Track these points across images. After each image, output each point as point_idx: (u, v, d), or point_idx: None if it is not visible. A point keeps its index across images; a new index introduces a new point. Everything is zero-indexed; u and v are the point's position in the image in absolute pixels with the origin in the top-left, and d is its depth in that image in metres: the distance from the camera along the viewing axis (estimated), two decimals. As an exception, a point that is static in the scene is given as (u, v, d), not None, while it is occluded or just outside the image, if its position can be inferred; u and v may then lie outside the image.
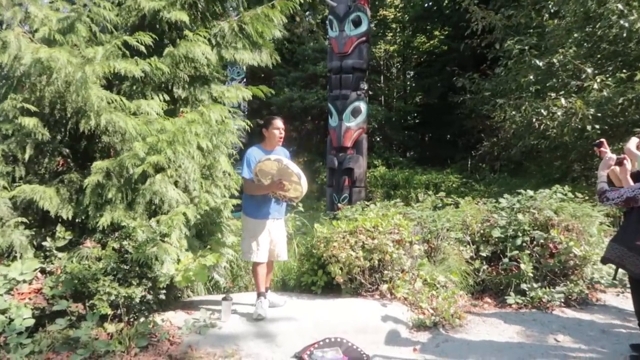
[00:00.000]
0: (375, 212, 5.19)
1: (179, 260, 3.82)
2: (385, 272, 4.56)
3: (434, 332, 4.11)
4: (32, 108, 3.47)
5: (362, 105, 10.78)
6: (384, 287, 4.49)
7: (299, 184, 3.94)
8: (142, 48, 4.14)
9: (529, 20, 8.40)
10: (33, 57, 3.25)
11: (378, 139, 20.21)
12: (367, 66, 11.10)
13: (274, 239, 4.22)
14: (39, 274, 3.59)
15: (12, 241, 3.50)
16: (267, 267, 4.35)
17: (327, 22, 11.30)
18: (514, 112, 8.24)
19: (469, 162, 16.32)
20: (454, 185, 13.99)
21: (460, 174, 14.93)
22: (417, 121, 20.70)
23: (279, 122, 4.14)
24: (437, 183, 14.05)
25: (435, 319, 4.18)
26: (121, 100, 3.75)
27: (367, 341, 3.85)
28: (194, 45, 4.31)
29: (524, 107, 7.89)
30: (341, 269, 4.52)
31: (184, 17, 4.27)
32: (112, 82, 4.52)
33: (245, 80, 15.62)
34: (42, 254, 3.69)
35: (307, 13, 20.01)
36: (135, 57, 4.06)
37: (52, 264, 3.62)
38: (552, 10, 8.68)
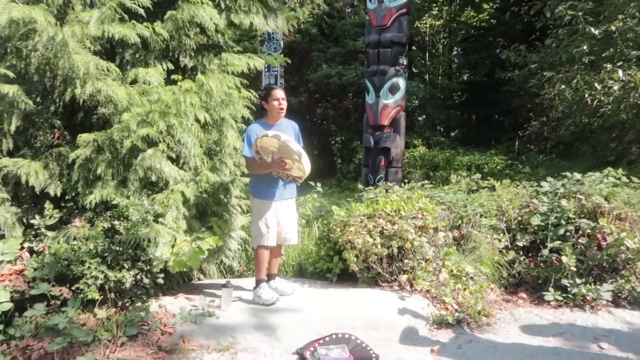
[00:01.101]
0: (400, 194, 4.73)
1: (175, 243, 3.53)
2: (406, 261, 4.12)
3: (457, 330, 3.65)
4: (11, 74, 3.20)
5: (401, 82, 10.22)
6: (403, 277, 4.06)
7: (301, 162, 3.56)
8: (141, 11, 3.79)
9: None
10: (9, 17, 2.97)
11: (419, 118, 19.43)
12: (407, 40, 10.47)
13: (281, 221, 3.87)
14: (27, 254, 3.37)
15: (-3, 219, 3.29)
16: (274, 252, 4.02)
17: (366, -7, 10.71)
18: (563, 87, 7.45)
19: (516, 143, 15.36)
20: (498, 167, 13.19)
21: (506, 155, 14.06)
22: (462, 99, 19.72)
23: (278, 92, 3.74)
24: (479, 164, 13.30)
25: (459, 316, 3.71)
26: (114, 67, 3.43)
27: (379, 338, 3.44)
28: (198, 8, 3.94)
29: (575, 81, 7.11)
30: (357, 256, 4.12)
31: (186, -24, 3.89)
32: (116, 49, 4.24)
33: (282, 56, 15.26)
34: (33, 233, 3.46)
35: (348, -14, 19.32)
36: (133, 21, 3.72)
37: (41, 243, 3.39)
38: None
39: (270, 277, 4.05)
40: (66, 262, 3.19)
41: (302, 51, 18.08)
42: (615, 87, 6.66)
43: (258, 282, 3.85)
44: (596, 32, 6.88)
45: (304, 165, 3.52)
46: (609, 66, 6.89)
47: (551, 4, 7.87)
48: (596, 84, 6.80)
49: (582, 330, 3.65)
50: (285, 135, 3.55)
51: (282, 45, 15.28)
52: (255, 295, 3.81)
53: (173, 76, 3.77)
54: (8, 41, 3.24)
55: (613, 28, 6.75)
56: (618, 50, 7.06)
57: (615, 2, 7.15)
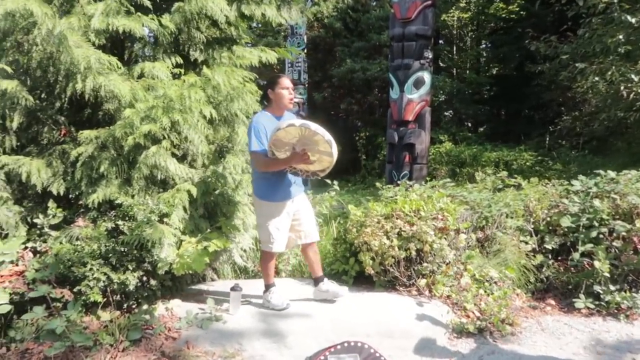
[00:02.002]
0: (419, 193, 4.49)
1: (180, 244, 3.39)
2: (425, 264, 3.89)
3: (479, 340, 3.41)
4: (9, 69, 3.11)
5: (426, 76, 9.92)
6: (421, 282, 3.84)
7: (329, 154, 3.23)
8: (148, 3, 3.67)
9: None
10: (3, 9, 2.86)
11: (446, 113, 18.99)
12: (432, 33, 10.15)
13: (297, 220, 3.60)
14: (30, 254, 3.29)
15: (-1, 218, 3.21)
16: (310, 252, 3.75)
17: (390, -15, 10.44)
18: (596, 79, 7.04)
19: (547, 139, 14.82)
20: (527, 163, 12.72)
21: (536, 151, 13.55)
22: (491, 94, 19.17)
23: (287, 81, 3.45)
24: (508, 161, 12.85)
25: (481, 324, 3.47)
26: (115, 61, 3.31)
27: (394, 347, 3.24)
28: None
29: (609, 73, 6.69)
30: (373, 258, 3.92)
31: (194, -34, 3.75)
32: (125, 43, 4.14)
33: (305, 50, 15.07)
34: (37, 233, 3.38)
35: (374, -21, 18.99)
36: (138, 14, 3.60)
37: (45, 243, 3.31)
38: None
39: (317, 280, 3.75)
40: (68, 264, 3.09)
41: (326, 46, 17.86)
42: (654, 79, 6.26)
43: (267, 287, 3.67)
44: (633, 21, 6.45)
45: (333, 156, 3.22)
46: (647, 57, 6.49)
47: (584, -8, 7.46)
48: (633, 76, 6.38)
49: (615, 342, 3.36)
50: (314, 124, 3.18)
51: (305, 40, 15.09)
52: (265, 299, 3.64)
53: (176, 70, 3.63)
54: (8, 35, 3.15)
55: (652, 16, 6.34)
56: (657, 40, 6.64)
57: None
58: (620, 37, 6.77)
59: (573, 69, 7.44)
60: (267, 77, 3.63)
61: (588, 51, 7.65)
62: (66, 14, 3.64)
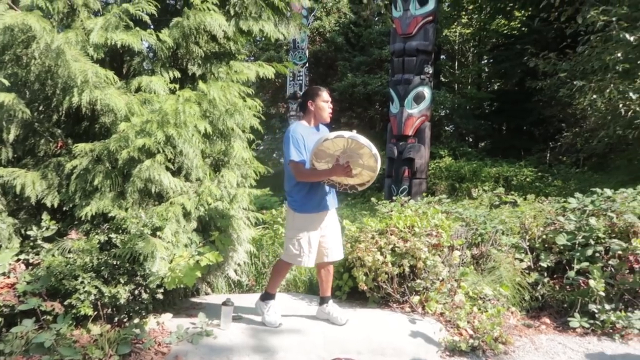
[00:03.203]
0: (415, 209, 4.49)
1: (173, 258, 3.39)
2: (418, 281, 3.88)
3: (471, 359, 3.38)
4: (6, 82, 3.14)
5: (426, 91, 10.00)
6: (414, 299, 3.82)
7: (372, 168, 3.20)
8: (147, 18, 3.71)
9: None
10: (2, 24, 2.90)
11: (447, 128, 19.05)
12: (433, 48, 10.25)
13: (327, 235, 3.51)
14: (23, 267, 3.28)
15: (-10, 229, 3.22)
16: (327, 271, 3.68)
17: (392, 1, 10.54)
18: (595, 96, 7.06)
19: (547, 155, 14.83)
20: (527, 179, 12.72)
21: (536, 167, 13.56)
22: (492, 109, 19.23)
23: (327, 94, 3.45)
24: (507, 177, 12.86)
25: (473, 343, 3.44)
26: (112, 75, 3.34)
27: (385, 365, 3.22)
28: (205, 15, 3.82)
29: (608, 90, 6.71)
30: (366, 274, 3.90)
31: (192, -17, 3.79)
32: (124, 57, 4.17)
33: (307, 65, 15.19)
34: (30, 245, 3.38)
35: (376, -5, 19.16)
36: (137, 28, 3.63)
37: (38, 255, 3.30)
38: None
39: (323, 300, 3.70)
40: (60, 276, 3.08)
41: (328, 60, 18.02)
42: (652, 97, 6.28)
43: (268, 296, 3.61)
44: (631, 39, 6.49)
45: (377, 169, 3.18)
46: (645, 75, 6.51)
47: (583, 10, 7.51)
48: (631, 94, 6.40)
49: (610, 362, 3.34)
50: (362, 137, 3.14)
51: (307, 54, 15.22)
52: (260, 309, 3.61)
53: (171, 85, 3.65)
54: (7, 49, 3.18)
55: (650, 34, 6.37)
56: (655, 58, 6.67)
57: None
58: (619, 54, 6.80)
59: (572, 86, 7.46)
60: (306, 90, 3.63)
61: (587, 68, 7.68)
62: (66, 28, 3.68)
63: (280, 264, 3.62)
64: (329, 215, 3.54)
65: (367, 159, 3.18)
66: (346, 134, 3.10)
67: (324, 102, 3.45)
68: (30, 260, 3.31)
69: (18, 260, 3.30)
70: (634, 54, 6.97)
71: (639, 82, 6.39)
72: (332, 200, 3.54)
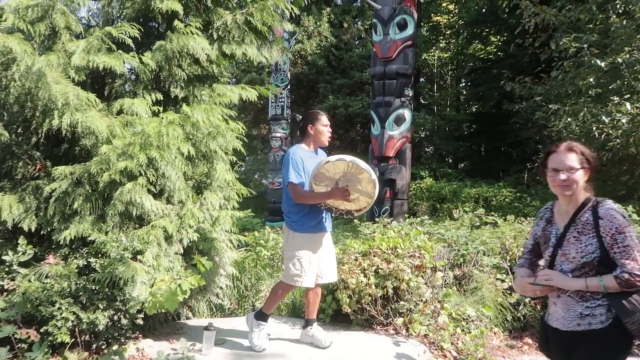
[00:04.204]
0: (397, 230, 4.52)
1: (154, 282, 3.33)
2: (402, 302, 3.88)
3: (455, 380, 3.39)
4: (-18, 105, 3.11)
5: (407, 113, 10.14)
6: (398, 320, 3.82)
7: (369, 195, 3.24)
8: (130, 41, 3.72)
9: (589, 15, 7.37)
10: (-18, 47, 2.88)
11: (427, 149, 19.31)
12: (413, 71, 10.43)
13: (323, 256, 3.51)
14: (-4, 292, 3.19)
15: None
16: (316, 294, 3.66)
17: (371, 26, 10.74)
18: (569, 120, 7.25)
19: (525, 175, 15.10)
20: (506, 200, 12.90)
21: (515, 187, 13.78)
22: (470, 131, 19.59)
23: (326, 118, 3.51)
24: (487, 197, 13.03)
25: (457, 364, 3.45)
26: (94, 98, 3.33)
27: (370, 389, 3.19)
28: (188, 39, 3.85)
29: (582, 114, 6.91)
30: (350, 296, 3.89)
31: (176, 6, 3.82)
32: (105, 79, 4.16)
33: (289, 87, 15.31)
34: (5, 270, 3.29)
35: (356, 19, 19.55)
36: (120, 51, 3.63)
37: (13, 281, 3.22)
38: (620, 11, 7.63)
39: (308, 322, 3.68)
40: (36, 302, 3.00)
41: (310, 82, 18.20)
42: (624, 120, 6.46)
43: (262, 317, 3.55)
44: (602, 65, 6.72)
45: (374, 196, 3.22)
46: (616, 99, 6.71)
47: (556, 37, 7.77)
48: (604, 117, 6.60)
49: (591, 382, 3.35)
50: (363, 162, 3.18)
51: (289, 76, 15.34)
52: (251, 327, 3.55)
53: (154, 107, 3.65)
54: (-14, 72, 3.16)
55: (620, 60, 6.59)
56: (625, 83, 6.88)
57: (621, 35, 7.02)
58: (591, 80, 7.02)
59: (547, 110, 7.66)
60: (305, 114, 3.65)
61: (561, 92, 7.90)
62: (47, 50, 3.67)
63: (279, 285, 3.59)
64: (325, 237, 3.57)
65: (366, 184, 3.21)
66: (347, 157, 3.14)
67: (323, 126, 3.51)
68: (5, 286, 3.22)
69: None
70: (605, 79, 7.20)
71: (610, 106, 6.59)
72: (328, 223, 3.58)
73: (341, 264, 4.04)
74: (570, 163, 2.07)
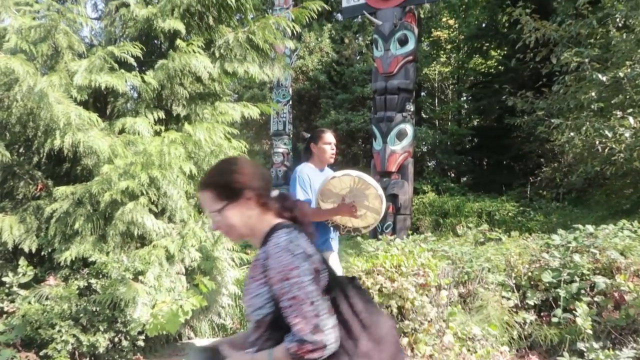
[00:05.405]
0: (401, 247, 4.47)
1: (155, 303, 3.29)
2: (406, 322, 3.82)
3: (462, 402, 3.32)
4: (-15, 126, 3.11)
5: (408, 128, 10.14)
6: (403, 341, 3.75)
7: (376, 210, 3.20)
8: (132, 60, 3.74)
9: (590, 30, 7.41)
10: (-15, 68, 2.89)
11: (429, 164, 19.28)
12: (414, 86, 10.46)
13: None
14: (-4, 314, 3.16)
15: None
16: None
17: (372, 41, 10.80)
18: (572, 134, 7.24)
19: (528, 189, 15.05)
20: (509, 214, 12.81)
21: (518, 202, 13.71)
22: (472, 145, 19.58)
23: (330, 136, 3.49)
24: (490, 211, 12.94)
25: (464, 385, 3.39)
26: (95, 118, 3.33)
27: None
28: (190, 57, 3.86)
29: (584, 128, 6.90)
30: (353, 316, 3.82)
31: (179, 25, 3.84)
32: (108, 98, 4.17)
33: (290, 102, 15.36)
34: (5, 292, 3.26)
35: (357, 35, 19.70)
36: (122, 70, 3.65)
37: (13, 303, 3.19)
38: (620, 24, 7.67)
39: None
40: (36, 325, 2.97)
41: (311, 98, 18.26)
42: (627, 135, 6.44)
43: None
44: (604, 79, 6.72)
45: (381, 213, 3.18)
46: (619, 113, 6.70)
47: (557, 51, 7.79)
48: (606, 131, 6.58)
49: (601, 403, 3.29)
50: (370, 177, 3.16)
51: (290, 92, 15.41)
52: None
53: (156, 126, 3.65)
54: (-11, 92, 3.17)
55: (621, 74, 6.60)
56: (628, 97, 6.88)
57: (622, 49, 7.04)
58: (593, 94, 7.02)
59: (549, 124, 7.66)
60: (310, 133, 3.67)
61: (563, 107, 7.91)
62: (50, 70, 3.68)
63: None
64: (332, 256, 3.52)
65: (373, 199, 3.18)
66: (354, 172, 3.13)
67: (326, 144, 3.48)
68: (5, 309, 3.19)
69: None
70: (606, 93, 7.21)
71: (613, 120, 6.59)
72: (335, 243, 3.54)
73: (344, 282, 3.99)
74: (208, 205, 1.49)
